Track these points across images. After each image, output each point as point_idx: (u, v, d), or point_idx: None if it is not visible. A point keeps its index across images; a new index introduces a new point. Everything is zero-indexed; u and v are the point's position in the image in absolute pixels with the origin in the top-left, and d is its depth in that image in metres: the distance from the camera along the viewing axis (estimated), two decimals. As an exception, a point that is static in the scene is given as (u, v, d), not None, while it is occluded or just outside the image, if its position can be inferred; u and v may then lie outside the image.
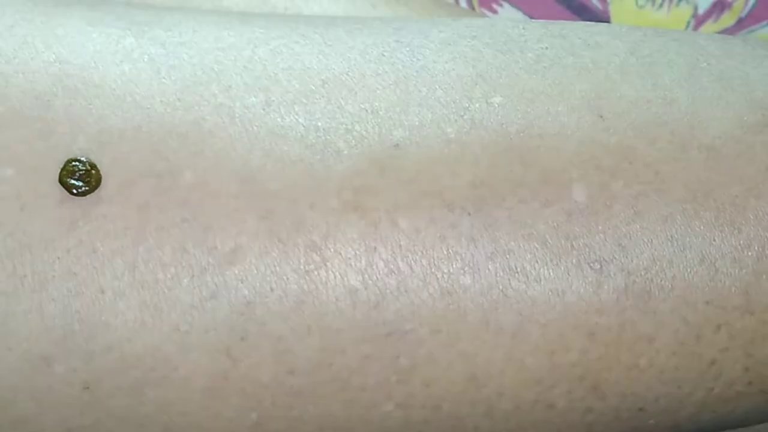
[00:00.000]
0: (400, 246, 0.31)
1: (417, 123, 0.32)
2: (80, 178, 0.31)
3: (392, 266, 0.31)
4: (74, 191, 0.31)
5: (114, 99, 0.32)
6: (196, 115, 0.32)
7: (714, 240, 0.33)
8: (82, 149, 0.31)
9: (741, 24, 0.77)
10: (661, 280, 0.32)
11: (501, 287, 0.32)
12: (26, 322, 0.30)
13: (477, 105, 0.33)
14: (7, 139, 0.31)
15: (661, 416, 0.34)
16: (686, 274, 0.32)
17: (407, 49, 0.35)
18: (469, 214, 0.32)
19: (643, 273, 0.32)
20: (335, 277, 0.31)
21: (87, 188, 0.31)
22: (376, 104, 0.33)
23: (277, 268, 0.31)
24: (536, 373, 0.32)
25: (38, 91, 0.32)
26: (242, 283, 0.31)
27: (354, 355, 0.31)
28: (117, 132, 0.32)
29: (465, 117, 0.33)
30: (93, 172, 0.31)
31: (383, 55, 0.34)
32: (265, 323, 0.31)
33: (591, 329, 0.32)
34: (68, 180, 0.31)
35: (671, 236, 0.32)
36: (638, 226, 0.32)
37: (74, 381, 0.31)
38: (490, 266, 0.32)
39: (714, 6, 0.76)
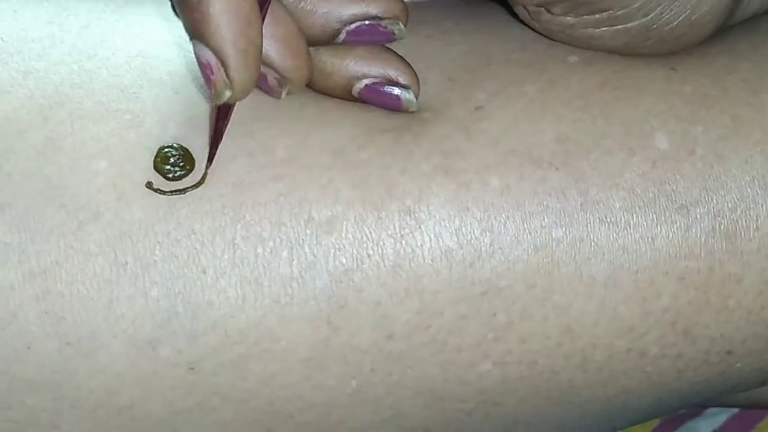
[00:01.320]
0: (492, 204, 0.32)
1: (497, 85, 0.33)
2: (174, 163, 0.32)
3: (485, 224, 0.32)
4: (170, 176, 0.32)
5: (200, 86, 0.33)
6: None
7: None
8: (173, 136, 0.32)
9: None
10: (746, 221, 0.33)
11: (592, 237, 0.32)
12: (130, 308, 0.31)
13: (555, 65, 0.34)
14: (98, 132, 0.32)
15: (748, 359, 0.35)
16: None
17: (481, 14, 0.36)
18: (557, 168, 0.32)
19: (728, 214, 0.33)
20: (430, 239, 0.32)
21: (182, 172, 0.32)
22: (454, 73, 0.34)
23: (373, 234, 0.32)
24: (629, 320, 0.33)
25: (124, 84, 0.33)
26: (339, 251, 0.32)
27: (451, 315, 0.32)
28: (206, 116, 0.32)
29: (544, 77, 0.34)
30: (186, 156, 0.32)
31: (457, 24, 0.35)
32: (363, 290, 0.32)
33: (681, 273, 0.33)
34: (163, 166, 0.32)
35: (753, 177, 0.33)
36: (721, 169, 0.33)
37: (179, 362, 0.32)
38: (580, 218, 0.32)
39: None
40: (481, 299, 0.32)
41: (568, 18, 0.33)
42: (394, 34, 0.32)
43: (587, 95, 0.33)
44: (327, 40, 0.32)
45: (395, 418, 0.34)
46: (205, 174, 0.32)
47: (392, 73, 0.33)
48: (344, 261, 0.32)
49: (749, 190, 0.33)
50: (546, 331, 0.33)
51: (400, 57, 0.33)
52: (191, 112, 0.33)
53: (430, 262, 0.32)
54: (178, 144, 0.32)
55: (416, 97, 0.33)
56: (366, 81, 0.33)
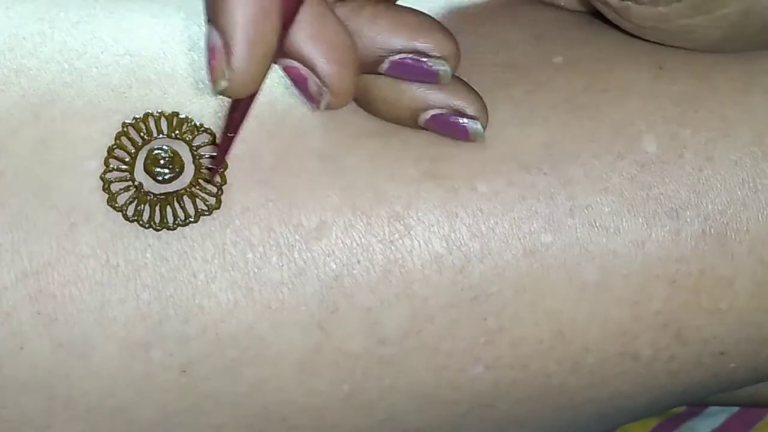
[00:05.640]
0: (481, 209, 0.32)
1: (482, 90, 0.33)
2: (164, 165, 0.32)
3: (474, 230, 0.32)
4: (159, 179, 0.32)
5: (187, 86, 0.33)
6: (270, 97, 0.33)
7: None
8: (163, 137, 0.32)
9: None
10: (736, 223, 0.33)
11: (582, 242, 0.32)
12: (122, 310, 0.31)
13: (540, 66, 0.34)
14: (89, 132, 0.32)
15: (741, 360, 0.35)
16: (760, 216, 0.33)
17: (462, 15, 0.36)
18: (545, 173, 0.32)
19: (718, 217, 0.33)
20: (420, 244, 0.32)
21: (172, 174, 0.32)
22: None
23: (363, 240, 0.32)
24: (621, 324, 0.33)
25: (113, 83, 0.33)
26: (329, 257, 0.32)
27: (442, 320, 0.32)
28: (195, 118, 0.32)
29: (530, 79, 0.33)
30: (176, 158, 0.32)
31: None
32: (353, 295, 0.32)
33: (672, 276, 0.33)
34: (153, 168, 0.32)
35: (743, 179, 0.33)
36: (710, 172, 0.33)
37: (171, 365, 0.32)
38: (570, 222, 0.32)
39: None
40: (471, 304, 0.32)
41: (660, 8, 0.31)
42: (438, 74, 0.31)
43: (573, 98, 0.33)
44: (370, 66, 0.31)
45: (388, 421, 0.34)
46: (219, 195, 0.31)
47: (458, 103, 0.31)
48: (334, 267, 0.32)
49: (739, 192, 0.33)
50: (538, 336, 0.33)
51: (468, 86, 0.32)
52: (180, 113, 0.32)
53: (420, 267, 0.32)
54: (167, 146, 0.32)
55: (484, 128, 0.32)
56: (432, 112, 0.32)
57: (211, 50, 0.27)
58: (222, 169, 0.32)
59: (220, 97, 0.32)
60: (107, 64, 0.33)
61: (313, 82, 0.29)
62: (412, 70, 0.31)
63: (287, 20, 0.28)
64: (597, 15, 0.36)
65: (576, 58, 0.34)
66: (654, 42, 0.34)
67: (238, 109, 0.29)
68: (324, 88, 0.29)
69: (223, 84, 0.27)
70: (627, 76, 0.34)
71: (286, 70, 0.30)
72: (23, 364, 0.31)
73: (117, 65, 0.33)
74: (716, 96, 0.33)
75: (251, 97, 0.29)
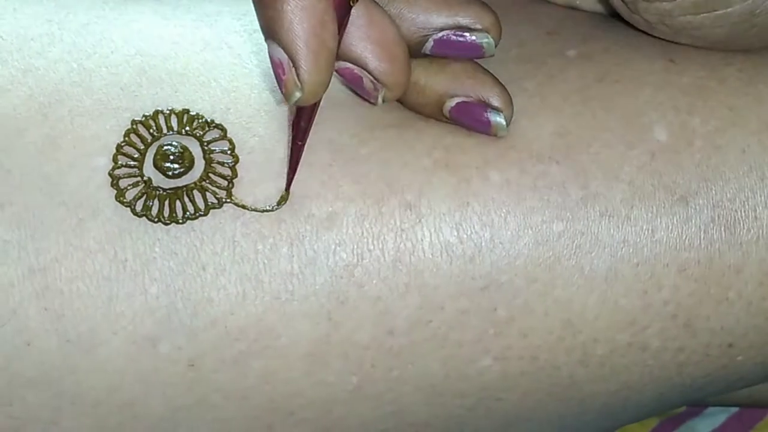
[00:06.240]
0: (493, 199, 0.32)
1: None
2: (174, 160, 0.32)
3: (486, 219, 0.32)
4: (169, 174, 0.32)
5: (199, 85, 0.33)
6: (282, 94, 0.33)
7: None
8: (173, 134, 0.32)
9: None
10: (745, 211, 0.33)
11: (593, 231, 0.32)
12: (130, 305, 0.31)
13: (553, 59, 0.34)
14: (98, 129, 0.32)
15: (749, 351, 0.35)
16: None
17: None
18: (558, 162, 0.33)
19: (728, 204, 0.33)
20: (430, 233, 0.32)
21: (182, 170, 0.32)
22: None
23: (374, 229, 0.32)
24: (630, 314, 0.33)
25: (123, 83, 0.33)
26: (340, 246, 0.32)
27: (451, 310, 0.32)
28: (206, 115, 0.33)
29: (542, 71, 0.34)
30: (186, 153, 0.32)
31: None
32: (363, 284, 0.32)
33: (681, 264, 0.33)
34: (163, 163, 0.32)
35: (751, 167, 0.33)
36: (719, 160, 0.33)
37: (179, 359, 0.32)
38: (581, 211, 0.32)
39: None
40: (481, 294, 0.32)
41: (665, 3, 0.32)
42: (482, 48, 0.31)
43: (586, 89, 0.33)
44: (414, 48, 0.31)
45: (396, 414, 0.34)
46: (286, 195, 0.32)
47: (485, 94, 0.32)
48: (344, 256, 0.32)
49: (747, 180, 0.33)
50: (547, 326, 0.33)
51: (495, 79, 0.32)
52: (190, 110, 0.33)
53: (430, 256, 0.32)
54: (177, 142, 0.32)
55: (508, 122, 0.32)
56: (457, 99, 0.32)
57: (278, 65, 0.28)
58: (233, 162, 0.32)
59: (232, 94, 0.33)
60: (117, 63, 0.34)
61: (367, 81, 0.31)
62: (457, 46, 0.31)
63: (341, 24, 0.29)
64: (610, 16, 0.37)
65: (589, 52, 0.34)
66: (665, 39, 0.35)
67: (303, 117, 0.30)
68: (378, 84, 0.31)
69: (297, 95, 0.29)
70: (639, 68, 0.34)
71: (340, 71, 0.31)
72: (30, 360, 0.31)
73: (127, 65, 0.34)
74: (724, 87, 0.34)
75: (315, 104, 0.30)
